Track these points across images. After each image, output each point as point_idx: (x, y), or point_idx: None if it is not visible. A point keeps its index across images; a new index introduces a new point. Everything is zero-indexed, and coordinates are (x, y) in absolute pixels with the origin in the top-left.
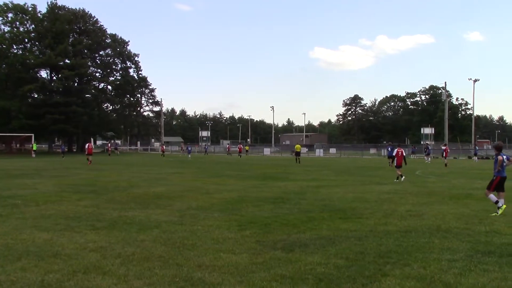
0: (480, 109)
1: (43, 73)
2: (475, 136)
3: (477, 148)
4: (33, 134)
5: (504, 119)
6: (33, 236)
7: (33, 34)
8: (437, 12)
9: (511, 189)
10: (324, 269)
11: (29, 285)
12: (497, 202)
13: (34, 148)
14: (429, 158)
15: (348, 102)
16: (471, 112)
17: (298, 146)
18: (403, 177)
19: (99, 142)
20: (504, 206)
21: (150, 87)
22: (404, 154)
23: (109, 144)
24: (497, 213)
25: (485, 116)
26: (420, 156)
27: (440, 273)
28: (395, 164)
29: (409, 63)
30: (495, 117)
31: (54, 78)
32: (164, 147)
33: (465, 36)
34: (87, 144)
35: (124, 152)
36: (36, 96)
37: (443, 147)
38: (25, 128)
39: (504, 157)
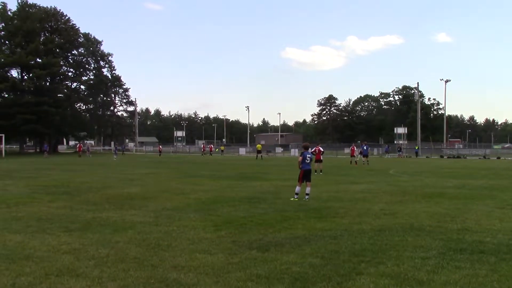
0: (451, 109)
1: (14, 73)
2: (447, 135)
3: (388, 146)
4: (3, 135)
5: (474, 119)
6: (4, 238)
7: (3, 33)
8: (403, 13)
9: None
10: (299, 268)
11: None
12: (298, 193)
13: None
14: (388, 155)
15: (322, 102)
16: (443, 112)
17: (259, 145)
18: (322, 172)
19: (71, 143)
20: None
21: (124, 86)
22: (322, 150)
23: (80, 145)
24: (295, 198)
25: (456, 116)
26: (393, 155)
27: (414, 271)
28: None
29: (381, 63)
30: (466, 117)
31: (25, 77)
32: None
33: (432, 37)
34: None
35: (97, 153)
36: (6, 96)
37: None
38: None
39: (308, 155)
